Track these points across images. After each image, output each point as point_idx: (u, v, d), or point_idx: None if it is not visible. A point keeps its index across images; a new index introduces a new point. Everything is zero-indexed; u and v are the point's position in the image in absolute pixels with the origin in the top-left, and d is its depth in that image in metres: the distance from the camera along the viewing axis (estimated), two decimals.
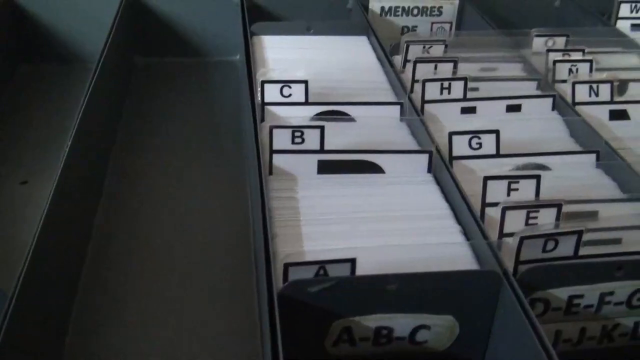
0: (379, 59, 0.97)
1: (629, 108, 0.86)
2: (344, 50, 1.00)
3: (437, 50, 0.91)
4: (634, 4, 1.11)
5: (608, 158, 0.74)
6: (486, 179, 0.63)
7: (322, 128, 0.70)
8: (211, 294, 0.73)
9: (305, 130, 0.70)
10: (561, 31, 0.97)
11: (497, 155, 0.73)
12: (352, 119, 0.82)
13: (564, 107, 0.84)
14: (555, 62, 0.90)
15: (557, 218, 0.61)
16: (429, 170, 0.72)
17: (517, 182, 0.64)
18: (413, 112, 0.81)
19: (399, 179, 0.71)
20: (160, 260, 0.77)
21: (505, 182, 0.63)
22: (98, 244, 0.79)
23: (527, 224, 0.60)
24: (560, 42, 0.96)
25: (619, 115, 0.86)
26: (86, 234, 0.79)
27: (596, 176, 0.74)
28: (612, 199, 0.66)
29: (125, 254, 0.78)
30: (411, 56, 0.90)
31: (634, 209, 0.66)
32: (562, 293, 0.57)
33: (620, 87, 0.92)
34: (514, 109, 0.84)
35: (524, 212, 0.60)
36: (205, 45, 1.19)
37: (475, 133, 0.72)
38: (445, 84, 0.82)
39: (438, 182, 0.71)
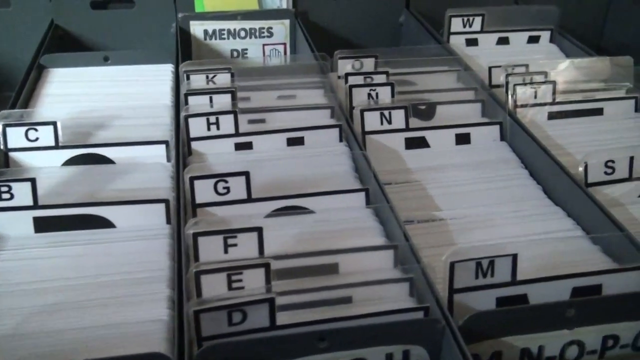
0: (173, 90, 0.89)
1: (427, 135, 0.79)
2: (140, 82, 0.91)
3: (224, 79, 0.82)
4: (465, 18, 1.03)
5: (377, 196, 0.66)
6: (196, 235, 0.54)
7: (32, 180, 0.61)
8: None
9: (13, 184, 0.61)
10: (369, 52, 0.89)
11: (249, 200, 0.65)
12: (111, 163, 0.73)
13: (353, 138, 0.76)
14: (351, 87, 0.82)
15: (267, 279, 0.52)
16: (169, 222, 0.64)
17: (235, 236, 0.55)
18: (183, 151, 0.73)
19: (129, 234, 0.62)
20: None
21: (220, 238, 0.55)
22: None
23: (230, 288, 0.52)
24: (368, 63, 0.89)
25: (416, 143, 0.79)
26: None
27: (363, 218, 0.66)
28: (350, 248, 0.58)
29: None
30: (193, 87, 0.81)
31: (378, 260, 0.58)
32: None
33: (428, 110, 0.84)
34: (296, 142, 0.76)
35: (223, 275, 0.51)
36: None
37: (222, 176, 0.64)
38: (212, 118, 0.74)
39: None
